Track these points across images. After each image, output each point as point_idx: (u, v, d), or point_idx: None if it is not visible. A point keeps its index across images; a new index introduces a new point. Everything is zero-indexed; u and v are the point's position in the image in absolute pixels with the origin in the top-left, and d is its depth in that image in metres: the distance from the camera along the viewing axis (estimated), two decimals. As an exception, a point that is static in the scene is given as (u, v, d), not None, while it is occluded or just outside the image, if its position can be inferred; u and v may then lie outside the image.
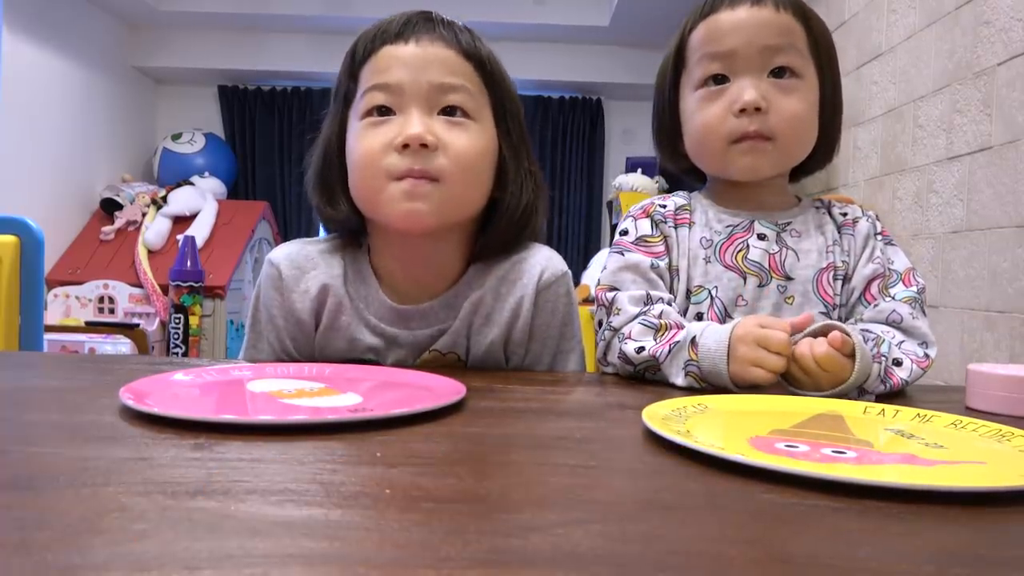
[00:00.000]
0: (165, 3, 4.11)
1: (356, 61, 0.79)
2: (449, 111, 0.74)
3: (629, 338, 0.77)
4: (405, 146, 0.72)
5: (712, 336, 0.71)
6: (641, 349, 0.76)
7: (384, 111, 0.74)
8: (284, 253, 0.81)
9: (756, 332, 0.69)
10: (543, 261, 0.81)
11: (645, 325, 0.77)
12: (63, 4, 3.75)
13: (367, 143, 0.74)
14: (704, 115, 0.82)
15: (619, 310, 0.80)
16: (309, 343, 0.81)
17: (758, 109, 0.79)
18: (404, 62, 0.74)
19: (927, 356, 0.78)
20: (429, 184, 0.72)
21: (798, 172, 0.90)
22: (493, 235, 0.80)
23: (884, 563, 0.30)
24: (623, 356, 0.77)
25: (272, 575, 0.27)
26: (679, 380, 0.73)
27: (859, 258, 0.85)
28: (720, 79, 0.81)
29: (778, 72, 0.80)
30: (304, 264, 0.80)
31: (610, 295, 0.82)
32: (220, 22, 4.30)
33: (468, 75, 0.75)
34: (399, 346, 0.81)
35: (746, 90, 0.79)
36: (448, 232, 0.79)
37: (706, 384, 0.71)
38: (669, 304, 0.81)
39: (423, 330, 0.80)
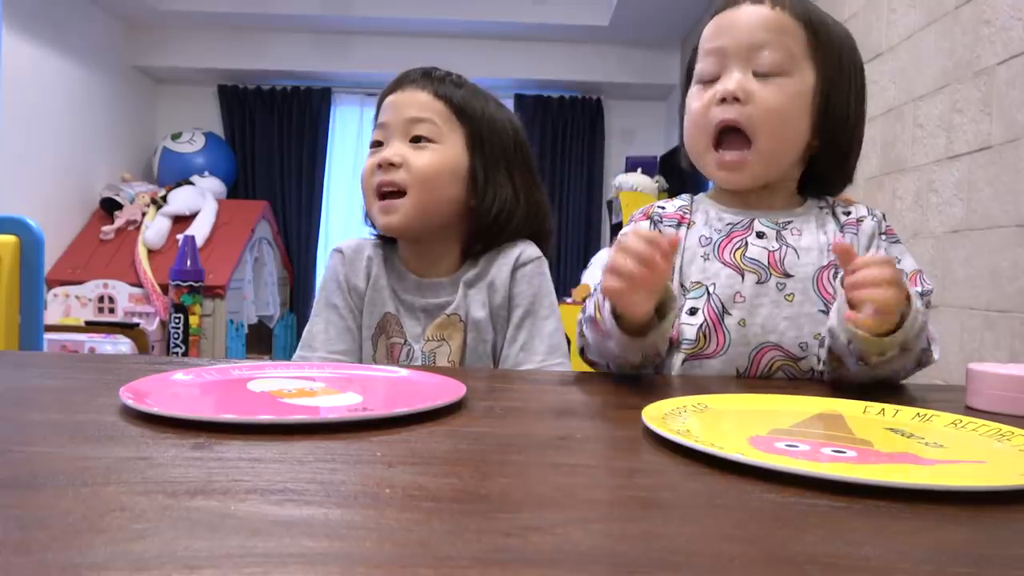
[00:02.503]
0: (165, 3, 4.11)
1: (376, 111, 1.03)
2: (416, 139, 0.95)
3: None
4: (379, 166, 0.95)
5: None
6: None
7: (378, 144, 0.98)
8: (347, 243, 1.05)
9: (623, 240, 0.68)
10: (520, 249, 0.99)
11: None
12: (63, 4, 3.75)
13: (365, 166, 0.99)
14: (691, 107, 0.86)
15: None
16: (361, 305, 1.01)
17: (737, 99, 0.80)
18: (392, 105, 0.98)
19: (930, 352, 0.78)
20: (397, 200, 0.94)
21: (811, 182, 0.90)
22: (475, 233, 0.99)
23: (884, 562, 0.30)
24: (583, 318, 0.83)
25: (272, 574, 0.27)
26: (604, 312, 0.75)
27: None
28: (711, 79, 0.84)
29: (762, 68, 0.81)
30: (360, 248, 1.03)
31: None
32: (220, 22, 4.30)
33: (437, 111, 0.96)
34: (414, 312, 0.99)
35: (727, 81, 0.82)
36: (437, 232, 0.98)
37: (603, 320, 0.74)
38: None
39: (433, 299, 0.99)
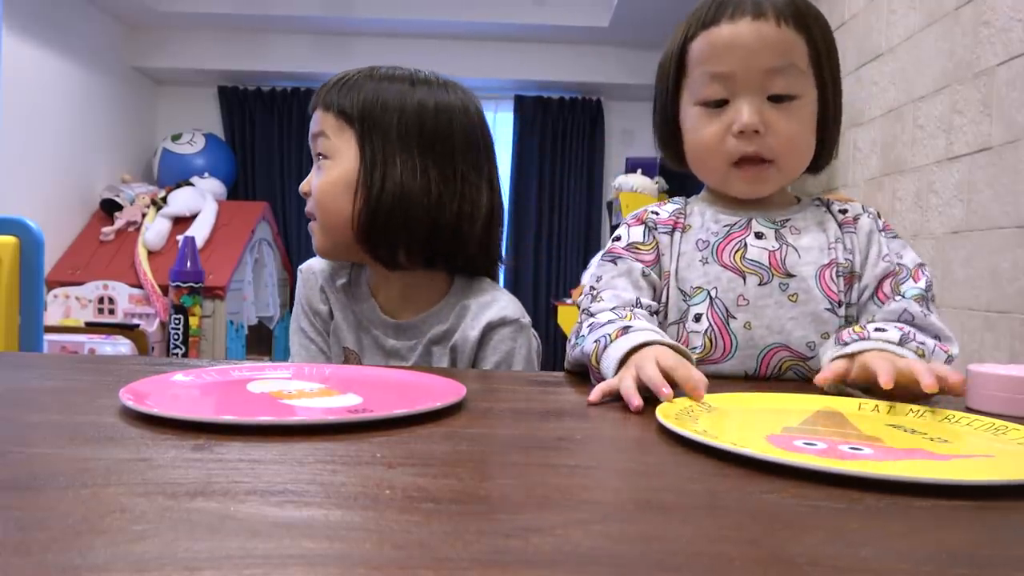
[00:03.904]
0: (164, 3, 4.11)
1: None
2: (319, 158, 0.92)
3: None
4: None
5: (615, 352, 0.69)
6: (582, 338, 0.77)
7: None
8: (306, 264, 1.01)
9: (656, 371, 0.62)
10: (496, 308, 0.90)
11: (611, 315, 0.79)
12: (63, 4, 3.75)
13: None
14: (702, 134, 0.83)
15: (601, 299, 0.83)
16: (327, 328, 0.98)
17: (756, 132, 0.80)
18: None
19: (947, 343, 0.77)
20: (313, 224, 0.93)
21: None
22: (363, 227, 0.88)
23: (885, 563, 0.30)
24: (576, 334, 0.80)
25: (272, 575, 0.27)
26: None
27: (866, 256, 0.85)
28: (719, 102, 0.81)
29: (776, 97, 0.80)
30: (312, 269, 1.00)
31: (599, 286, 0.86)
32: (220, 22, 4.30)
33: (328, 124, 0.90)
34: (382, 348, 0.94)
35: (744, 112, 0.80)
36: (356, 249, 0.90)
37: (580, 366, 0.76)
38: (654, 313, 0.83)
39: (399, 341, 0.93)
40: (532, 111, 4.69)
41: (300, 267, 1.01)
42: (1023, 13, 1.59)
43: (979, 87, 1.73)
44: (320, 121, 0.91)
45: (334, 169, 0.89)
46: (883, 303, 0.81)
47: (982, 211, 1.70)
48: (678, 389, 0.61)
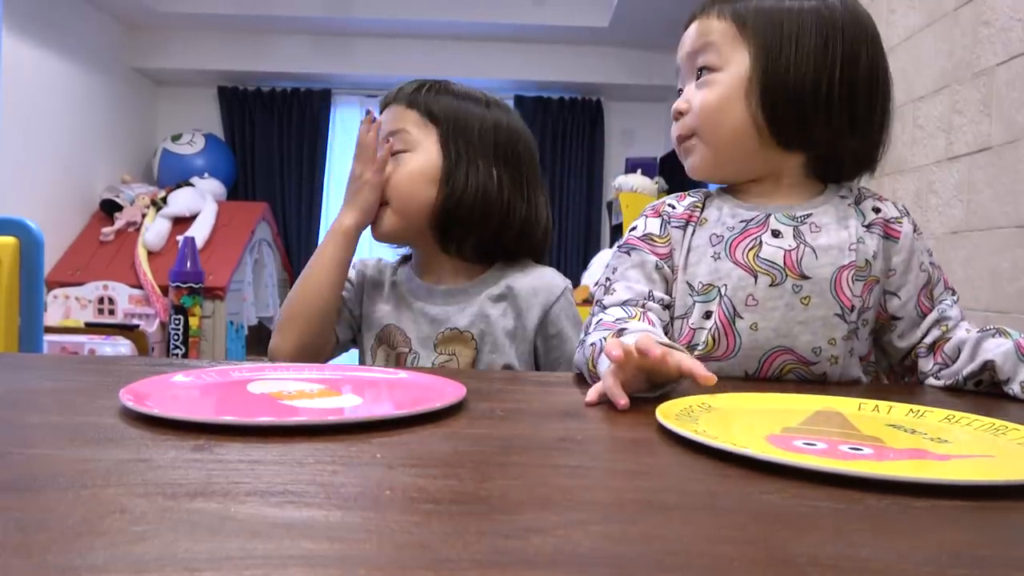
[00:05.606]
0: (164, 4, 4.11)
1: None
2: (396, 152, 1.00)
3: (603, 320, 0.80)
4: None
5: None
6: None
7: None
8: (362, 260, 1.10)
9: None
10: (547, 280, 1.01)
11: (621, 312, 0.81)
12: (63, 4, 3.75)
13: None
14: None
15: (614, 291, 0.85)
16: (351, 310, 1.06)
17: (681, 113, 0.86)
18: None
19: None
20: (382, 209, 1.01)
21: (833, 171, 0.87)
22: (442, 217, 0.99)
23: (886, 563, 0.30)
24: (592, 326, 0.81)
25: (272, 576, 0.27)
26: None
27: (906, 269, 0.83)
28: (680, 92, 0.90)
29: (699, 73, 0.85)
30: (369, 265, 1.10)
31: (613, 277, 0.87)
32: (220, 22, 4.30)
33: (409, 119, 1.00)
34: (421, 317, 1.01)
35: (678, 99, 0.88)
36: (428, 235, 1.01)
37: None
38: (667, 307, 0.83)
39: (441, 306, 1.01)
40: (532, 111, 4.69)
41: (354, 262, 1.07)
42: (1023, 13, 1.59)
43: (979, 87, 1.73)
44: (401, 117, 1.00)
45: (415, 161, 0.99)
46: (925, 314, 0.83)
47: (982, 211, 1.70)
48: (669, 387, 0.63)
